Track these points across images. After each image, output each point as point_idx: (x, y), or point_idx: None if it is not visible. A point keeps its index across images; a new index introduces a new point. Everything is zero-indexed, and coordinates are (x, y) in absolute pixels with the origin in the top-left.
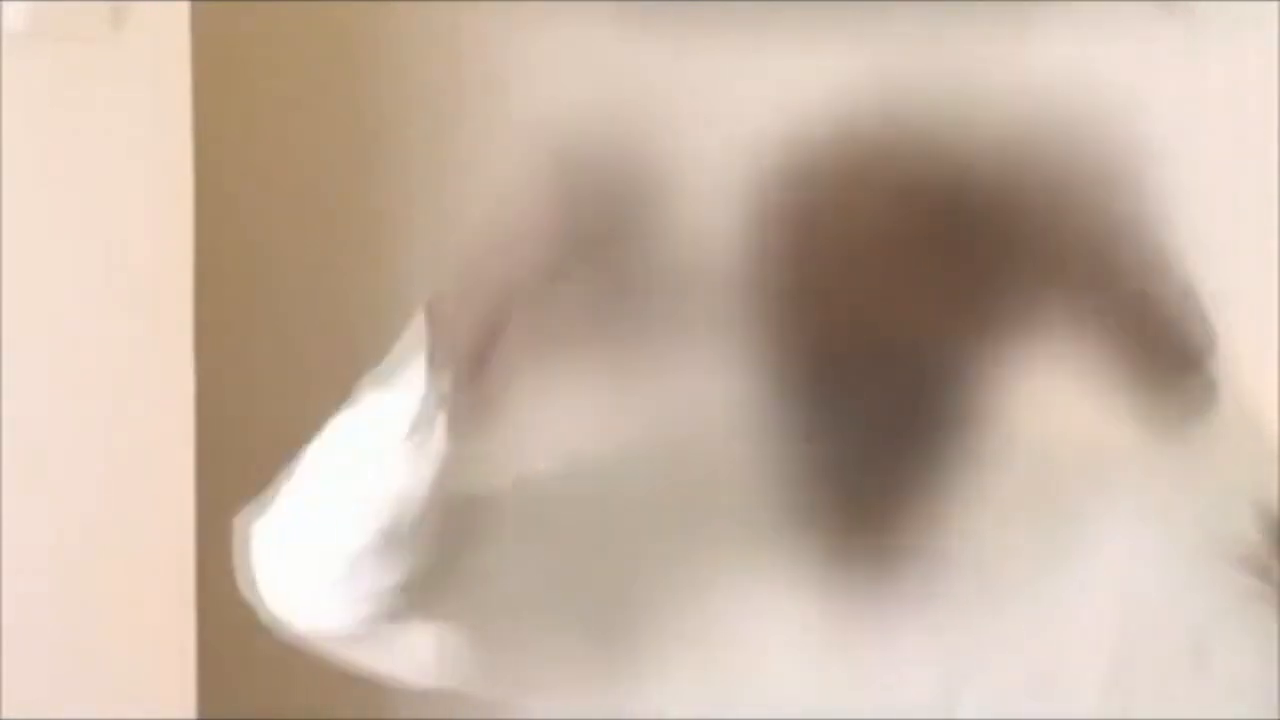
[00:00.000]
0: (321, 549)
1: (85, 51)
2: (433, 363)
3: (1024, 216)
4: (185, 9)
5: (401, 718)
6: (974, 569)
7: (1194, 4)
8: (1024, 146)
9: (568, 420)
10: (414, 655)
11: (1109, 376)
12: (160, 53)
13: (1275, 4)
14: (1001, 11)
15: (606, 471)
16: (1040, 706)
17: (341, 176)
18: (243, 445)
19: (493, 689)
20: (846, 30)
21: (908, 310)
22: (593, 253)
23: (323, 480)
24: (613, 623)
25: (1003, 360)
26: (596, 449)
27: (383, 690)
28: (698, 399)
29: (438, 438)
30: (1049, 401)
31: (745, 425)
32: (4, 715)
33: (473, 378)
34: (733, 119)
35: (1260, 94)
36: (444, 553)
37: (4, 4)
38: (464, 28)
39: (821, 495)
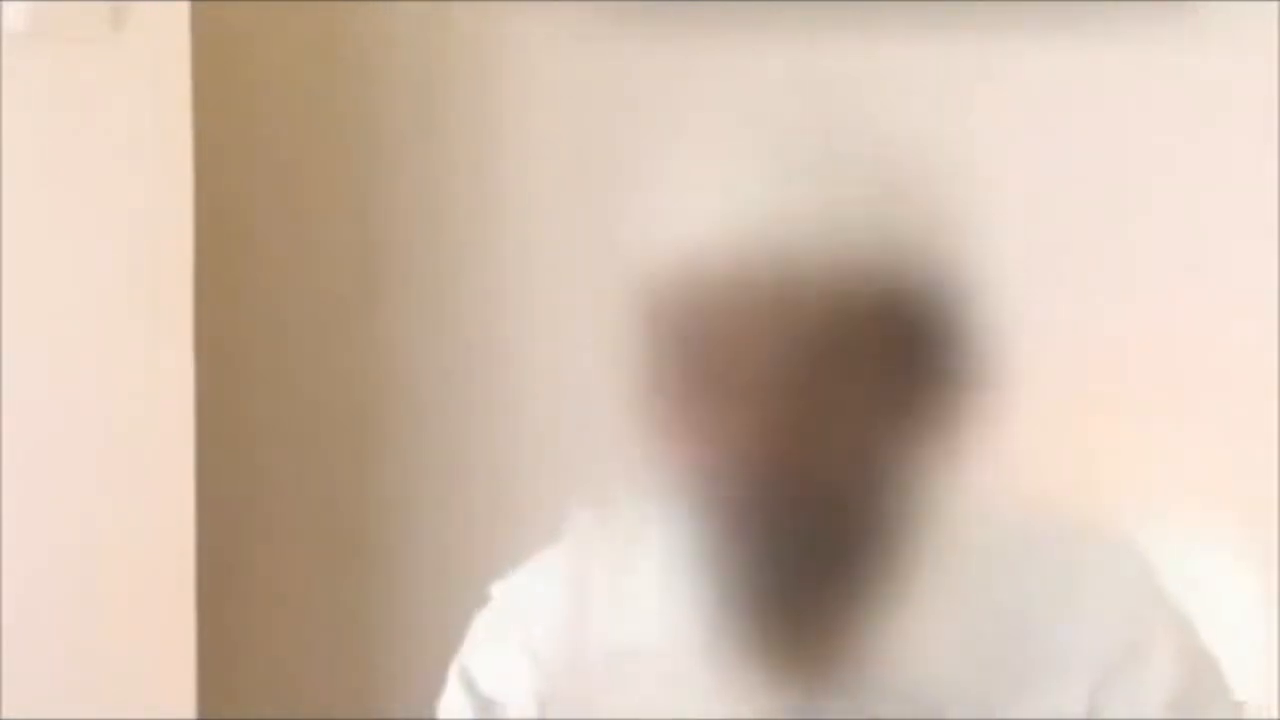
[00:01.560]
0: None
1: (85, 51)
2: None
3: (912, 322)
4: (185, 9)
5: (401, 718)
6: (926, 666)
7: (1194, 4)
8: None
9: None
10: None
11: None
12: (160, 53)
13: (1275, 4)
14: (1000, 13)
15: None
16: None
17: (341, 176)
18: (243, 445)
19: None
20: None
21: (819, 433)
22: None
23: None
24: None
25: (918, 469)
26: None
27: (383, 690)
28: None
29: None
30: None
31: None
32: (4, 715)
33: None
34: (732, 117)
35: (1260, 94)
36: None
37: (4, 4)
38: (464, 27)
39: (757, 633)
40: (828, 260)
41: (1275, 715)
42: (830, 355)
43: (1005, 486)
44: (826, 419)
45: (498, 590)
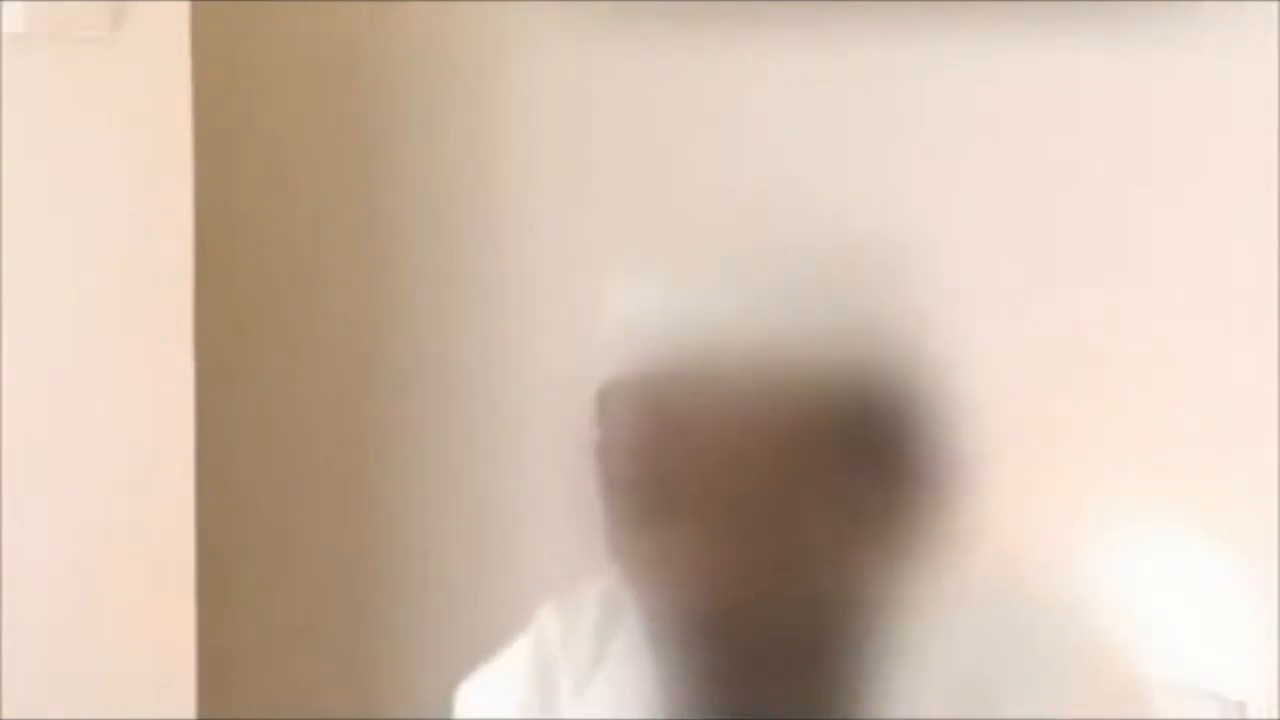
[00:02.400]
0: None
1: (85, 51)
2: None
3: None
4: (185, 9)
5: (401, 718)
6: None
7: (1194, 4)
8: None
9: None
10: None
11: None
12: (160, 53)
13: (1275, 4)
14: (1001, 14)
15: None
16: None
17: (341, 176)
18: (243, 445)
19: None
20: (834, 30)
21: (786, 548)
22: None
23: None
24: None
25: (893, 569)
26: None
27: (383, 690)
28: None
29: None
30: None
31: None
32: (4, 715)
33: None
34: (730, 116)
35: (1260, 94)
36: None
37: (4, 4)
38: (464, 27)
39: None
40: (788, 367)
41: (1276, 716)
42: (795, 465)
43: (984, 568)
44: (793, 533)
45: (463, 692)
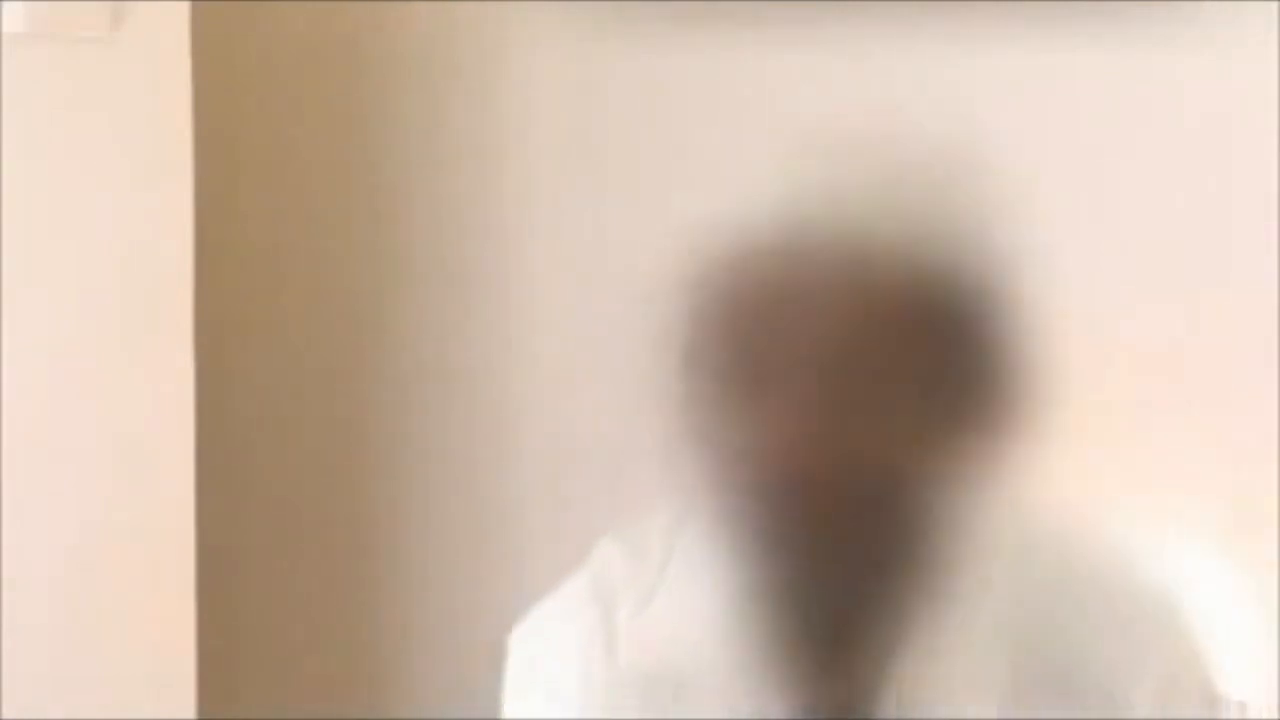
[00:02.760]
0: None
1: (85, 51)
2: None
3: (967, 316)
4: (185, 9)
5: (401, 718)
6: (954, 685)
7: (1194, 4)
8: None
9: None
10: None
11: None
12: (160, 53)
13: (1275, 4)
14: (1002, 13)
15: None
16: None
17: (342, 176)
18: (243, 445)
19: None
20: (838, 30)
21: (873, 422)
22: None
23: None
24: None
25: (959, 471)
26: None
27: (383, 690)
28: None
29: None
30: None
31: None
32: (4, 715)
33: None
34: (729, 116)
35: (1260, 94)
36: None
37: (4, 4)
38: (464, 27)
39: (787, 643)
40: (879, 243)
41: (1276, 716)
42: (874, 339)
43: (1043, 501)
44: (868, 404)
45: (517, 639)
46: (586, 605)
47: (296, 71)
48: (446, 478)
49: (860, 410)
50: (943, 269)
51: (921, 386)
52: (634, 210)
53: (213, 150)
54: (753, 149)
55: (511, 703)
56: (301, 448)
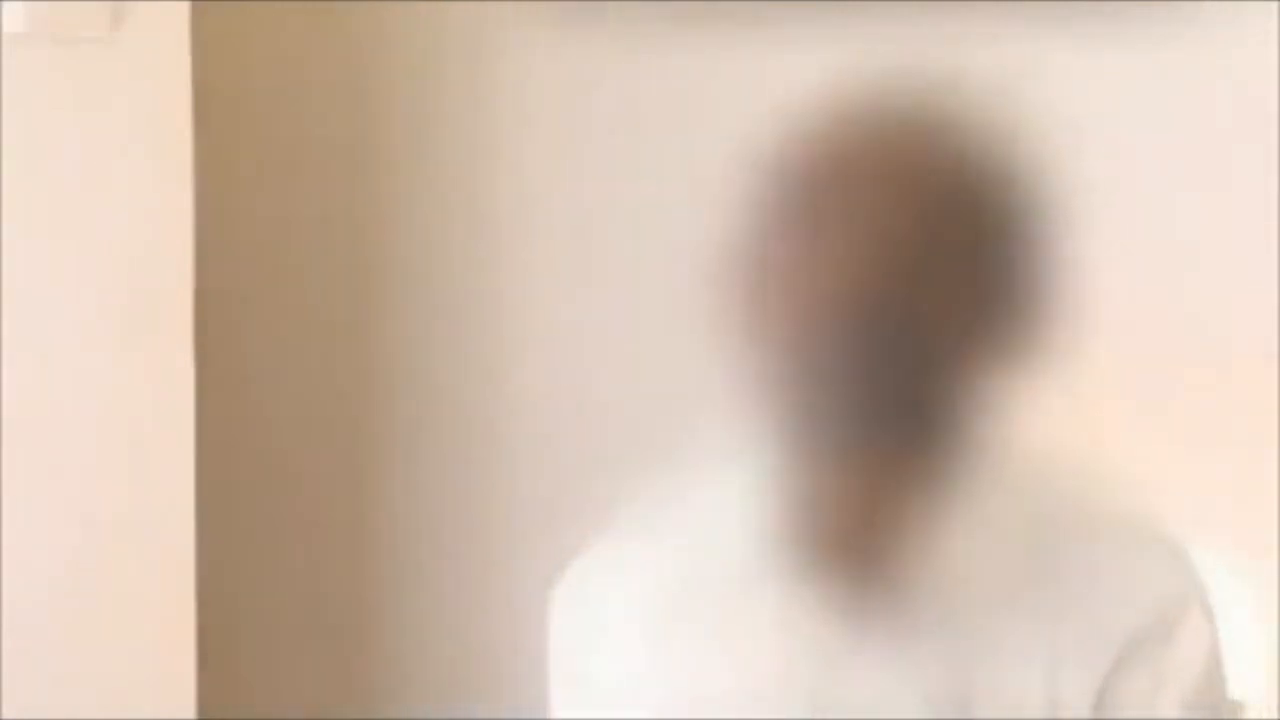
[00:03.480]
0: None
1: (85, 51)
2: None
3: (1006, 208)
4: (185, 9)
5: (401, 718)
6: (966, 588)
7: (1195, 4)
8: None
9: None
10: None
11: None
12: (160, 53)
13: (1275, 4)
14: (999, 12)
15: None
16: None
17: (341, 175)
18: (243, 445)
19: None
20: (835, 27)
21: (911, 301)
22: None
23: None
24: None
25: (999, 362)
26: None
27: (383, 690)
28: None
29: None
30: (1041, 418)
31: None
32: (4, 715)
33: None
34: (725, 115)
35: (1260, 94)
36: None
37: (4, 4)
38: (463, 27)
39: (819, 514)
40: (943, 125)
41: (1276, 716)
42: (929, 217)
43: (1061, 442)
44: (921, 273)
45: (561, 595)
46: (636, 550)
47: (296, 71)
48: (446, 478)
49: (907, 281)
50: (999, 176)
51: (964, 275)
52: (633, 209)
53: (213, 150)
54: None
55: (567, 658)
56: (301, 448)
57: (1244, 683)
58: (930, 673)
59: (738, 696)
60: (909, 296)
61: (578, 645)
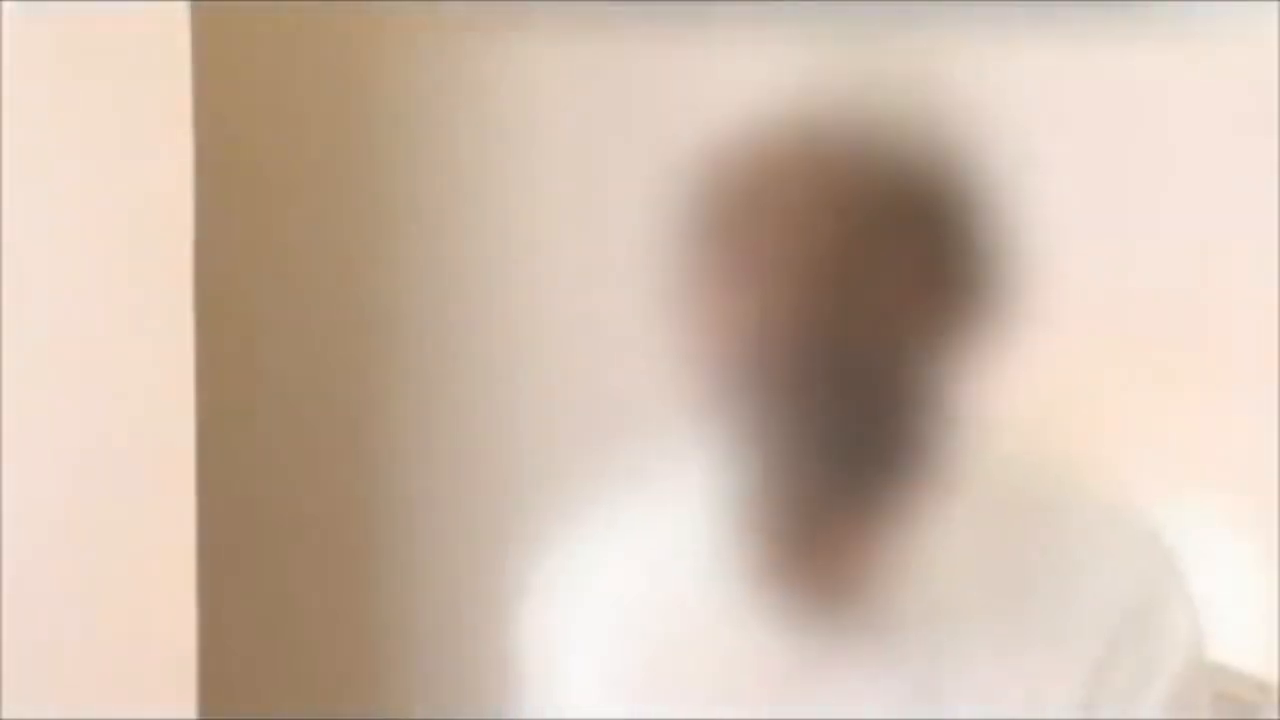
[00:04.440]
0: None
1: (86, 50)
2: None
3: (949, 210)
4: (185, 9)
5: (401, 718)
6: (940, 592)
7: (1196, 4)
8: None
9: None
10: None
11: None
12: (160, 53)
13: (1275, 4)
14: (990, 13)
15: None
16: None
17: (342, 175)
18: (243, 445)
19: None
20: (785, 30)
21: (857, 313)
22: None
23: None
24: None
25: (952, 363)
26: None
27: (383, 690)
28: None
29: None
30: (1009, 411)
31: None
32: (4, 715)
33: None
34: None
35: (1260, 94)
36: None
37: (4, 3)
38: (464, 26)
39: (779, 520)
40: (868, 140)
41: (1275, 683)
42: (865, 234)
43: (1024, 424)
44: (859, 298)
45: (525, 608)
46: (601, 561)
47: (296, 71)
48: (449, 478)
49: (850, 292)
50: (929, 162)
51: (910, 274)
52: (631, 209)
53: (213, 150)
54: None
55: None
56: (302, 447)
57: (1245, 653)
58: (903, 678)
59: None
60: (846, 308)
61: (543, 661)
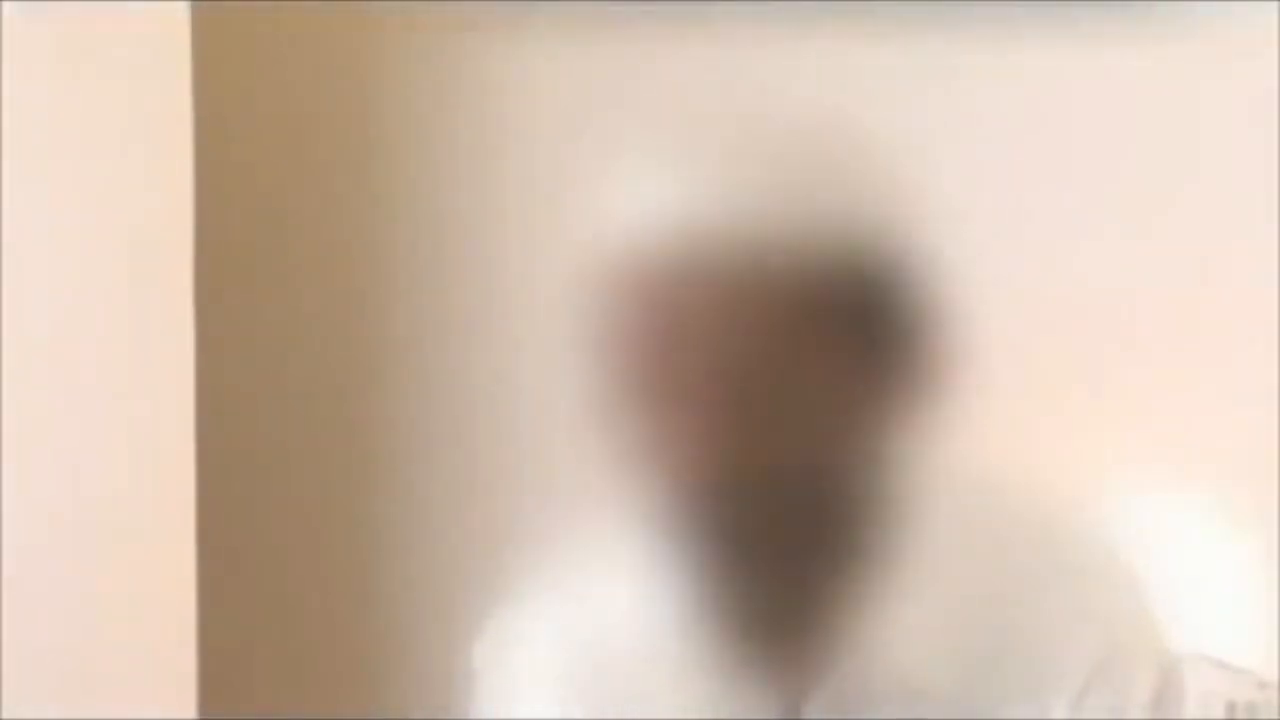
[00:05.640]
0: None
1: (86, 50)
2: None
3: (876, 307)
4: (185, 9)
5: (401, 718)
6: (908, 670)
7: (1195, 4)
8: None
9: None
10: None
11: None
12: (160, 53)
13: (1275, 3)
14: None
15: None
16: None
17: (342, 175)
18: (243, 445)
19: None
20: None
21: (793, 413)
22: None
23: None
24: None
25: (891, 452)
26: None
27: (383, 690)
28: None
29: None
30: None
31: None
32: (4, 715)
33: None
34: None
35: (1260, 94)
36: None
37: (4, 4)
38: (464, 26)
39: (738, 634)
40: (785, 246)
41: (1275, 680)
42: (791, 340)
43: (979, 470)
44: (792, 406)
45: (481, 650)
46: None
47: (296, 71)
48: (449, 478)
49: (777, 408)
50: (854, 262)
51: (839, 376)
52: (629, 208)
53: (213, 150)
54: (751, 148)
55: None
56: (302, 447)
57: (1242, 651)
58: None
59: None
60: (781, 410)
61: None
